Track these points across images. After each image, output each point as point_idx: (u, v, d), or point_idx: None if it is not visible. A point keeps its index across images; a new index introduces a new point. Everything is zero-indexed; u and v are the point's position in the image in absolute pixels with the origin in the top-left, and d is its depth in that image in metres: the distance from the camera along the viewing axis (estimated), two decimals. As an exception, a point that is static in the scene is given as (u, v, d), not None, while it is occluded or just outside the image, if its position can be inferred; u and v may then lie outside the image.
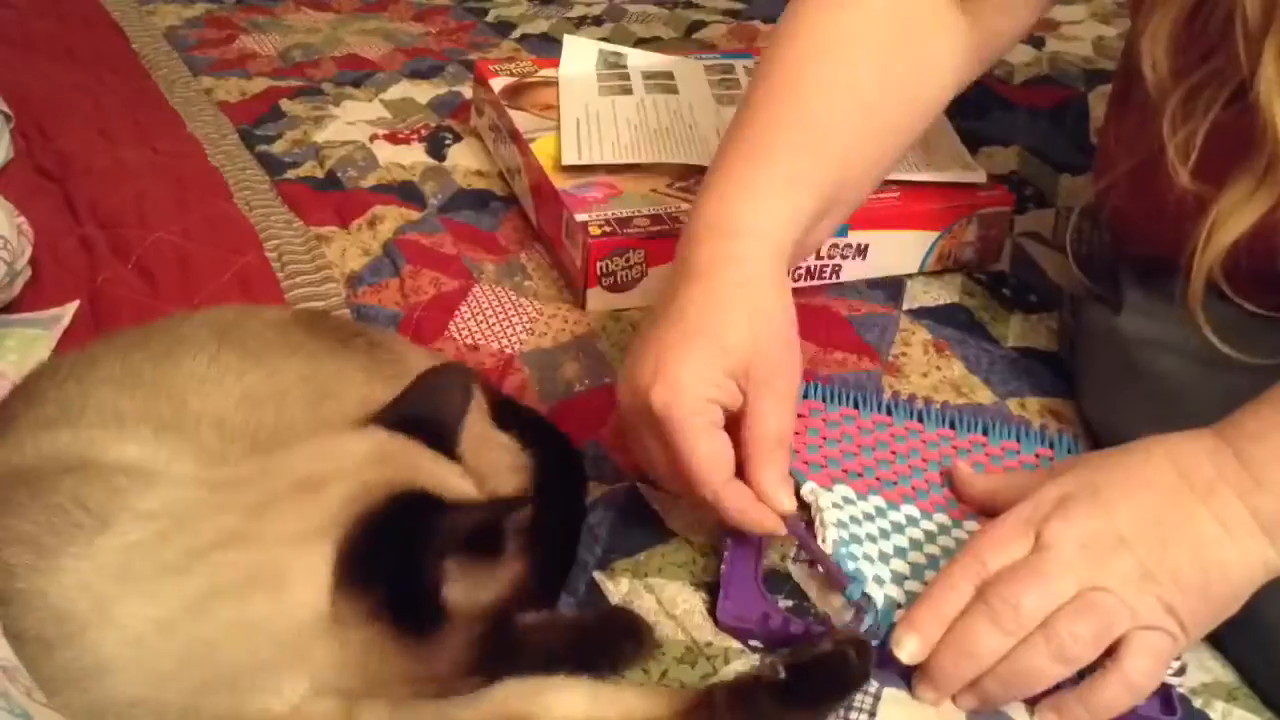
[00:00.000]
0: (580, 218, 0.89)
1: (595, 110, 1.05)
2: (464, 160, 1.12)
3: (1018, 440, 0.74)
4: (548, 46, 1.43)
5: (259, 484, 0.48)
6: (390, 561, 0.45)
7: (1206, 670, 0.61)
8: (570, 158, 0.97)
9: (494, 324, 0.86)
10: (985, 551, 0.57)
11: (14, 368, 0.75)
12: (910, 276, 0.94)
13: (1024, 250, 0.98)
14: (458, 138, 1.17)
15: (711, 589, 0.64)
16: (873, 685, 0.57)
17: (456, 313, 0.86)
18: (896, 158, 0.77)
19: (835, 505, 0.66)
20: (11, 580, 0.46)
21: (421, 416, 0.52)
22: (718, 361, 0.61)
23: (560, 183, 0.95)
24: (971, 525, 0.67)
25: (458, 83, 1.31)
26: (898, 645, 0.56)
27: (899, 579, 0.63)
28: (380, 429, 0.51)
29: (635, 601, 0.63)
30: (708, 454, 0.60)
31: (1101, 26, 1.50)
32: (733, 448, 0.61)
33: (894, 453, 0.72)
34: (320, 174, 1.09)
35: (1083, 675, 0.56)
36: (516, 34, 1.53)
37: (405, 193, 1.05)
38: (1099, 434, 0.76)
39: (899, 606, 0.60)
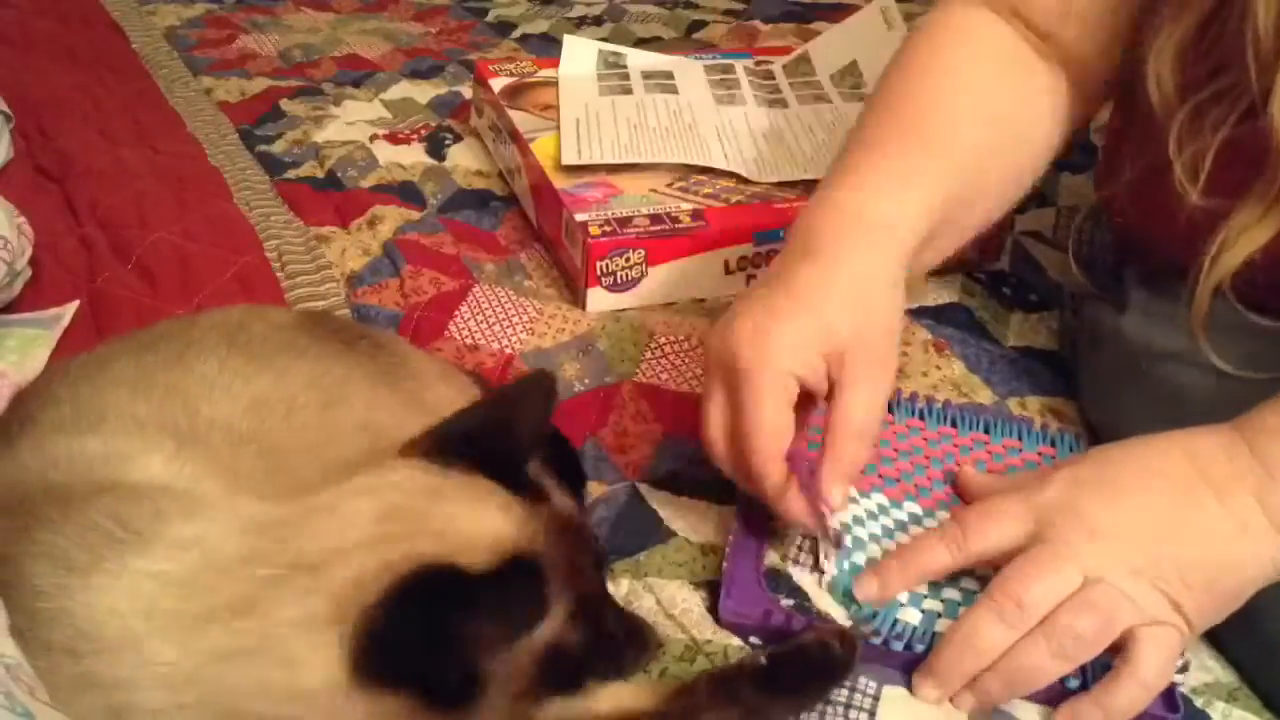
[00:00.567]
0: (580, 217, 0.89)
1: (595, 110, 1.05)
2: (464, 160, 1.12)
3: (1019, 438, 0.74)
4: (548, 46, 1.43)
5: (280, 544, 0.45)
6: (412, 648, 0.43)
7: (1207, 670, 0.61)
8: (570, 157, 0.97)
9: (494, 324, 0.86)
10: (973, 526, 0.58)
11: (14, 368, 0.76)
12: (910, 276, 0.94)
13: (1024, 249, 0.98)
14: (458, 138, 1.17)
15: (711, 587, 0.64)
16: (871, 685, 0.57)
17: (456, 313, 0.86)
18: (1013, 189, 0.76)
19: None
20: (37, 596, 0.45)
21: (479, 434, 0.50)
22: (815, 338, 0.60)
23: (560, 182, 0.95)
24: None
25: (458, 83, 1.31)
26: (858, 585, 0.59)
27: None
28: (414, 464, 0.48)
29: (635, 602, 0.63)
30: (772, 424, 0.59)
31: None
32: (794, 428, 0.61)
33: (896, 450, 0.72)
34: (320, 174, 1.09)
35: (1084, 670, 0.56)
36: (516, 34, 1.53)
37: (405, 193, 1.05)
38: (1100, 433, 0.76)
39: (902, 605, 0.60)
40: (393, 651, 0.42)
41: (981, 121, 0.72)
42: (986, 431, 0.75)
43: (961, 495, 0.69)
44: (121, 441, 0.52)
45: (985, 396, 0.81)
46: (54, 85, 1.20)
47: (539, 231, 0.99)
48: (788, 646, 0.55)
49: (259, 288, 0.88)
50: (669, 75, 1.12)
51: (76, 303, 0.84)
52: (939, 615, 0.60)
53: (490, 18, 1.60)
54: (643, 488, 0.71)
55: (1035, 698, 0.57)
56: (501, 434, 0.50)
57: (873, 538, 0.65)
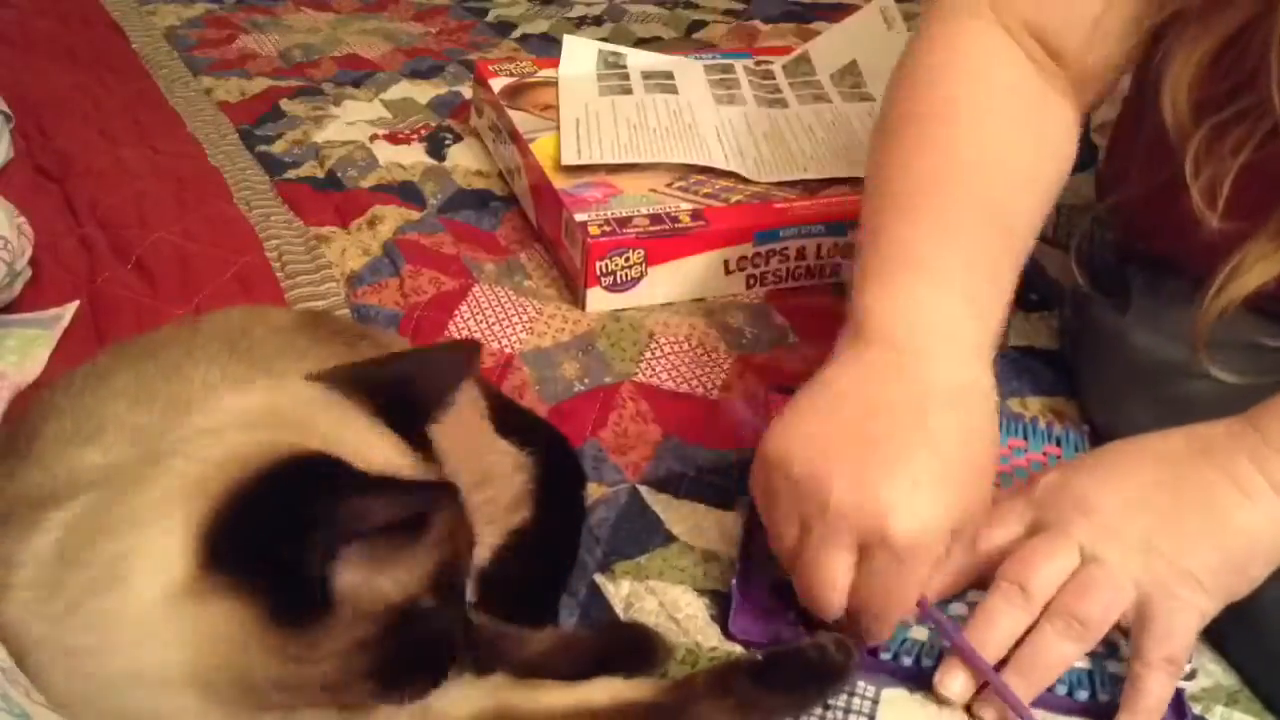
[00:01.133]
0: (580, 218, 0.89)
1: (595, 110, 1.05)
2: (464, 160, 1.12)
3: (1025, 438, 0.74)
4: (548, 46, 1.43)
5: (136, 458, 0.44)
6: (267, 538, 0.40)
7: (1207, 674, 0.61)
8: (570, 157, 0.97)
9: (493, 324, 0.86)
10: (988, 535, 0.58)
11: (14, 368, 0.76)
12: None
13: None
14: (458, 138, 1.16)
15: (714, 596, 0.63)
16: (870, 689, 0.57)
17: (456, 312, 0.86)
18: (1040, 224, 0.70)
19: None
20: None
21: (388, 383, 0.48)
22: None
23: (560, 183, 0.95)
24: None
25: (458, 83, 1.31)
26: (943, 681, 0.56)
27: None
28: (316, 384, 0.47)
29: (637, 604, 0.63)
30: (913, 601, 0.57)
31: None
32: None
33: None
34: (320, 174, 1.09)
35: (1093, 681, 0.56)
36: (516, 34, 1.53)
37: (405, 193, 1.05)
38: (1101, 433, 0.75)
39: (910, 624, 0.60)
40: (249, 534, 0.40)
41: (1028, 192, 0.67)
42: (1025, 438, 0.74)
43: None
44: (118, 452, 0.52)
45: (985, 396, 0.81)
46: (54, 85, 1.20)
47: (539, 231, 0.99)
48: (785, 648, 0.56)
49: (259, 288, 0.88)
50: (669, 75, 1.12)
51: (76, 303, 0.84)
52: None
53: (490, 18, 1.60)
54: (643, 490, 0.71)
55: (1044, 703, 0.57)
56: (410, 388, 0.48)
57: None
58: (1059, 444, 0.74)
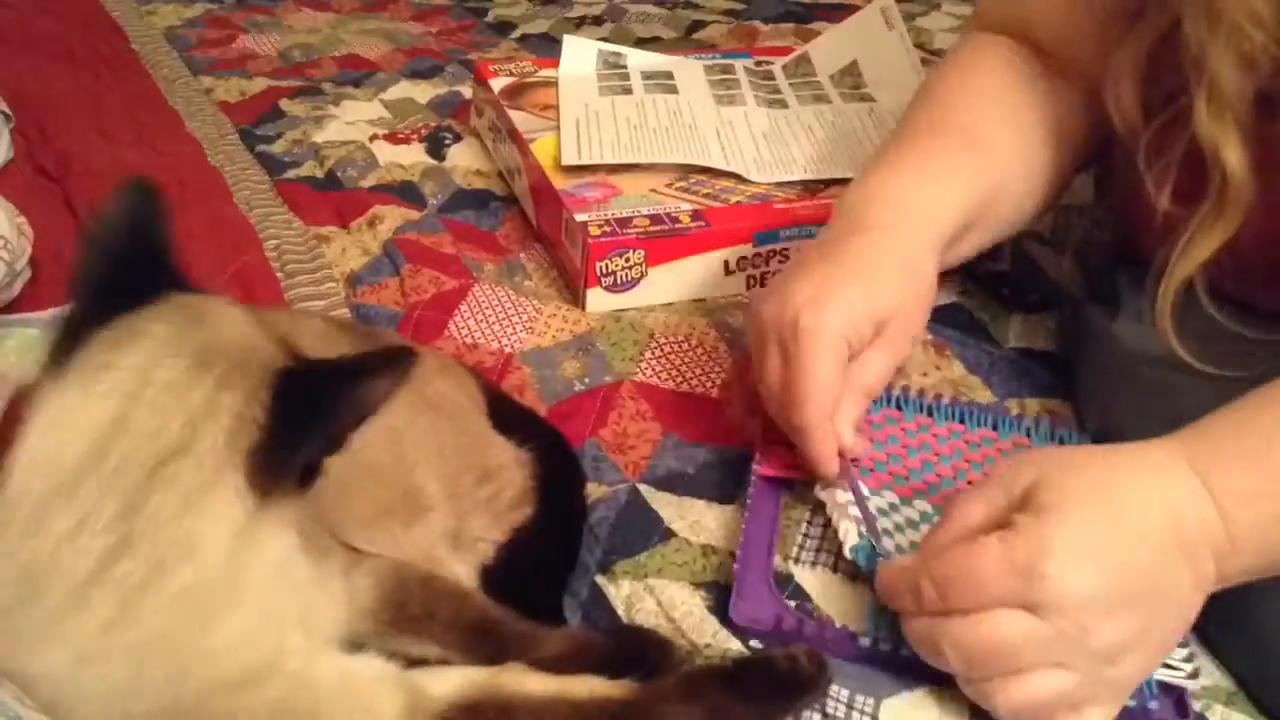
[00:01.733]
0: (580, 218, 0.89)
1: (595, 110, 1.05)
2: (464, 160, 1.12)
3: (1027, 435, 0.74)
4: (548, 46, 1.43)
5: (111, 494, 0.44)
6: (303, 449, 0.46)
7: (1206, 674, 0.60)
8: (570, 157, 0.97)
9: (493, 323, 0.86)
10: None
11: (14, 368, 0.76)
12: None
13: (1024, 250, 0.98)
14: (457, 138, 1.17)
15: (712, 588, 0.64)
16: (869, 703, 0.57)
17: (456, 312, 0.86)
18: (1039, 195, 0.80)
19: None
20: None
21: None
22: (867, 306, 0.66)
23: (560, 183, 0.95)
24: None
25: (457, 83, 1.31)
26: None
27: None
28: (149, 324, 0.47)
29: (637, 604, 0.63)
30: (826, 382, 0.64)
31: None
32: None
33: (905, 447, 0.72)
34: (320, 174, 1.09)
35: None
36: (516, 34, 1.53)
37: (405, 193, 1.05)
38: (1095, 434, 0.76)
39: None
40: (296, 439, 0.45)
41: (1013, 130, 0.77)
42: (994, 429, 0.75)
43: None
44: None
45: (985, 397, 0.81)
46: (54, 85, 1.20)
47: (539, 231, 0.99)
48: (756, 656, 0.57)
49: (259, 287, 0.88)
50: (669, 75, 1.12)
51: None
52: None
53: (490, 18, 1.60)
54: (643, 488, 0.71)
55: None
56: (141, 253, 0.49)
57: (885, 532, 0.65)
58: (1062, 443, 0.74)
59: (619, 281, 0.88)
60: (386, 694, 0.49)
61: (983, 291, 0.93)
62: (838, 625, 0.61)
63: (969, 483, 0.70)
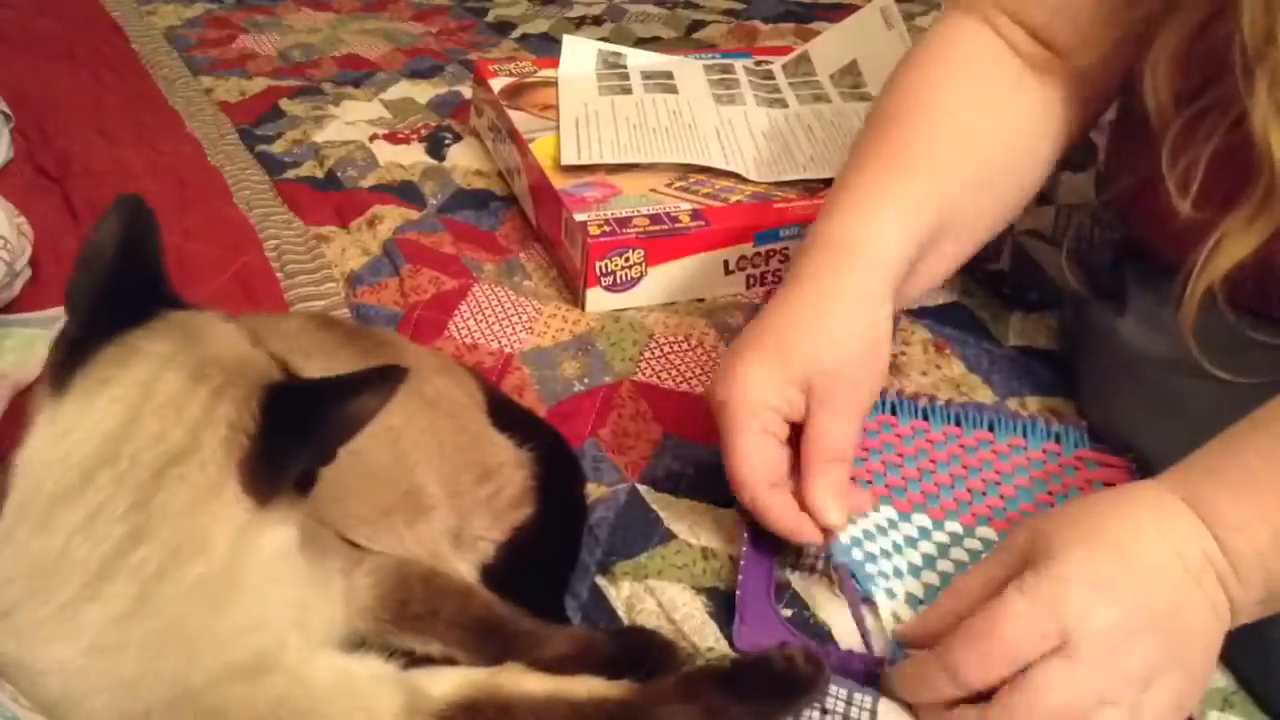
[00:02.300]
0: (579, 217, 0.89)
1: (595, 110, 1.05)
2: (463, 160, 1.12)
3: (1024, 436, 0.74)
4: (547, 46, 1.43)
5: (122, 490, 0.46)
6: (296, 458, 0.48)
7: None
8: (569, 157, 0.97)
9: (493, 323, 0.86)
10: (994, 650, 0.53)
11: (14, 368, 0.76)
12: (910, 276, 0.94)
13: (1024, 249, 0.98)
14: (457, 137, 1.17)
15: (713, 593, 0.64)
16: (867, 700, 0.57)
17: (456, 312, 0.86)
18: (1005, 204, 0.77)
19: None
20: None
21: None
22: (778, 370, 0.63)
23: (559, 182, 0.95)
24: (985, 531, 0.67)
25: (457, 83, 1.31)
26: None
27: (913, 601, 0.62)
28: (147, 341, 0.49)
29: (638, 606, 0.63)
30: (748, 455, 0.61)
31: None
32: (788, 458, 0.63)
33: (901, 455, 0.72)
34: (320, 174, 1.09)
35: None
36: (516, 34, 1.53)
37: (405, 192, 1.05)
38: (1098, 433, 0.76)
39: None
40: (284, 452, 0.47)
41: (962, 144, 0.72)
42: (991, 430, 0.75)
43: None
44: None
45: (985, 396, 0.81)
46: (54, 85, 1.20)
47: (538, 231, 0.99)
48: (753, 657, 0.57)
49: (259, 288, 0.88)
50: (669, 75, 1.12)
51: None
52: None
53: (490, 18, 1.60)
54: (643, 489, 0.71)
55: None
56: (134, 271, 0.51)
57: (884, 553, 0.64)
58: (1058, 440, 0.74)
59: (619, 281, 0.88)
60: (385, 693, 0.49)
61: (983, 290, 0.93)
62: (841, 649, 0.61)
63: (968, 490, 0.70)
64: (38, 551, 0.45)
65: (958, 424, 0.75)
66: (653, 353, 0.83)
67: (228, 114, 1.21)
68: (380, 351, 0.67)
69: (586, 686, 0.52)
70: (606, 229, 0.88)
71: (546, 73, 1.13)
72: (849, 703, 0.57)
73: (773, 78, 1.16)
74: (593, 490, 0.71)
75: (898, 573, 0.63)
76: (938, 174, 0.71)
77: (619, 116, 1.04)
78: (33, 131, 1.10)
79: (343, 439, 0.48)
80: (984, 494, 0.70)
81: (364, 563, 0.55)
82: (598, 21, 1.58)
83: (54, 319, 0.82)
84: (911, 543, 0.66)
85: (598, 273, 0.87)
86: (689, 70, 1.14)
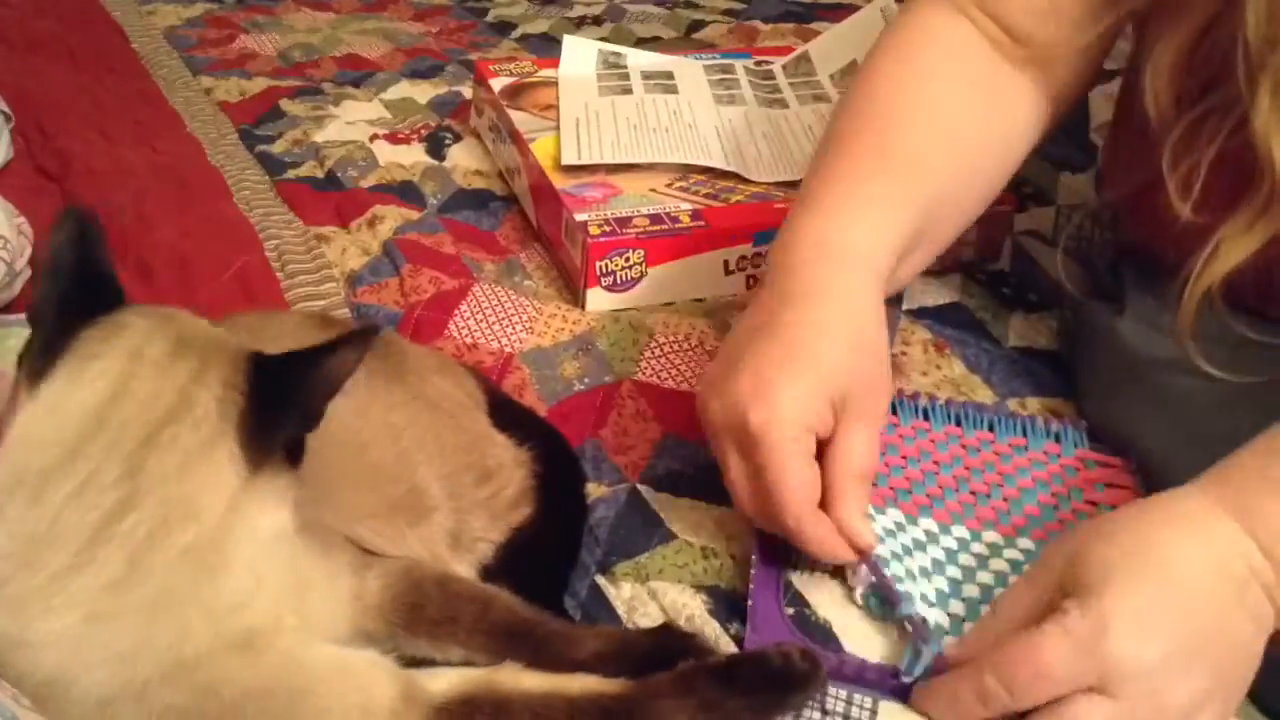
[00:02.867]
0: (579, 217, 0.89)
1: (595, 110, 1.05)
2: (464, 160, 1.12)
3: (1024, 435, 0.74)
4: (548, 46, 1.43)
5: (113, 457, 0.46)
6: (287, 419, 0.49)
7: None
8: (570, 157, 0.97)
9: (493, 323, 0.86)
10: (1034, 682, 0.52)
11: (14, 368, 0.75)
12: (910, 276, 0.94)
13: (1023, 249, 0.98)
14: (457, 137, 1.17)
15: (713, 592, 0.64)
16: (868, 700, 0.57)
17: (456, 312, 0.86)
18: (981, 200, 0.77)
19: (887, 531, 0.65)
20: None
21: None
22: (817, 388, 0.60)
23: (560, 182, 0.95)
24: (991, 536, 0.67)
25: (458, 83, 1.31)
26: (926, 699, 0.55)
27: (926, 602, 0.62)
28: (127, 321, 0.50)
29: (640, 608, 0.63)
30: (798, 482, 0.59)
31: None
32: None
33: (904, 457, 0.72)
34: (320, 174, 1.09)
35: None
36: (516, 34, 1.53)
37: (405, 192, 1.05)
38: (1098, 433, 0.76)
39: (945, 633, 0.60)
40: (275, 413, 0.48)
41: (947, 142, 0.72)
42: (991, 430, 0.75)
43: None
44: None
45: (985, 396, 0.81)
46: (54, 85, 1.20)
47: (539, 231, 0.99)
48: (749, 653, 0.57)
49: (259, 287, 0.88)
50: (669, 75, 1.12)
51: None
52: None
53: (490, 18, 1.60)
54: (643, 489, 0.71)
55: None
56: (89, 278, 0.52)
57: (894, 556, 0.64)
58: (1058, 440, 0.74)
59: (619, 281, 0.88)
60: (382, 680, 0.49)
61: (983, 291, 0.93)
62: (849, 653, 0.60)
63: (971, 493, 0.70)
64: (30, 525, 0.45)
65: (958, 424, 0.75)
66: (653, 353, 0.83)
67: (228, 114, 1.21)
68: (379, 350, 0.67)
69: (582, 683, 0.52)
70: (607, 229, 0.88)
71: (547, 73, 1.13)
72: (849, 702, 0.57)
73: (773, 78, 1.16)
74: (593, 490, 0.71)
75: (910, 575, 0.63)
76: (926, 173, 0.71)
77: (619, 116, 1.04)
78: (33, 131, 1.10)
79: (326, 397, 0.49)
80: (988, 496, 0.70)
81: (374, 566, 0.55)
82: (598, 21, 1.58)
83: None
84: (921, 546, 0.66)
85: (598, 272, 0.87)
86: (689, 70, 1.14)
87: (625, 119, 1.04)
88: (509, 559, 0.63)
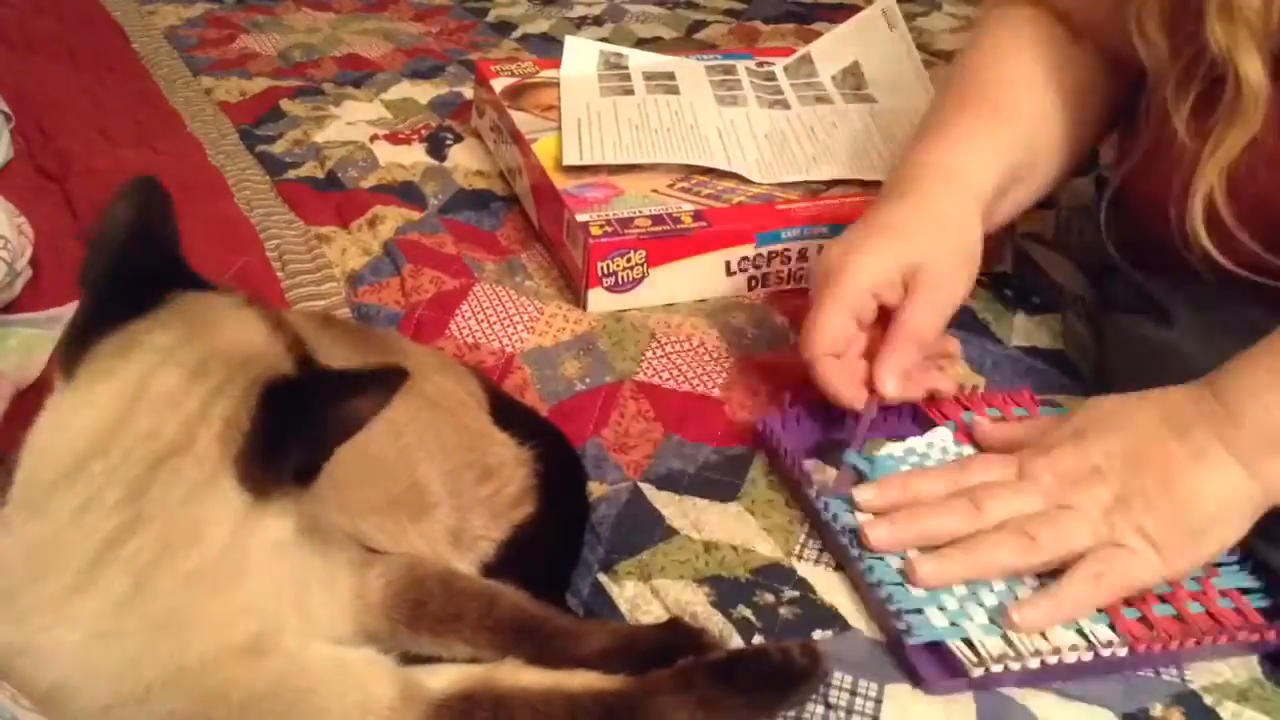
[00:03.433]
0: (581, 218, 0.89)
1: (597, 110, 1.05)
2: (464, 160, 1.12)
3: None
4: (548, 46, 1.43)
5: (115, 481, 0.46)
6: (298, 439, 0.48)
7: (1216, 673, 0.61)
8: (572, 158, 0.97)
9: (495, 323, 0.86)
10: (971, 466, 0.66)
11: (14, 368, 0.75)
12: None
13: (1026, 252, 0.98)
14: (458, 138, 1.16)
15: (716, 583, 0.64)
16: (873, 688, 0.57)
17: (457, 312, 0.86)
18: (1069, 144, 0.85)
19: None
20: None
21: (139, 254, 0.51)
22: (894, 252, 0.72)
23: (561, 183, 0.95)
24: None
25: (458, 83, 1.31)
26: (859, 491, 0.65)
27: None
28: (162, 324, 0.49)
29: (643, 605, 0.63)
30: (827, 324, 0.71)
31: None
32: (865, 341, 0.73)
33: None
34: (320, 174, 1.09)
35: None
36: (517, 34, 1.53)
37: (406, 193, 1.05)
38: None
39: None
40: (281, 449, 0.47)
41: (1040, 99, 0.83)
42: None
43: (978, 443, 0.72)
44: None
45: (987, 397, 0.81)
46: (54, 85, 1.20)
47: (540, 232, 0.99)
48: (749, 649, 0.58)
49: (259, 287, 0.88)
50: (670, 76, 1.12)
51: (76, 303, 0.83)
52: None
53: (491, 18, 1.60)
54: (644, 487, 0.71)
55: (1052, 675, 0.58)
56: (150, 253, 0.52)
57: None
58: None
59: (620, 282, 0.88)
60: (382, 677, 0.50)
61: (985, 292, 0.93)
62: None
63: None
64: (35, 537, 0.46)
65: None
66: (654, 353, 0.83)
67: (228, 114, 1.21)
68: (380, 350, 0.67)
69: (583, 679, 0.52)
70: (608, 229, 0.88)
71: (548, 73, 1.13)
72: (853, 692, 0.57)
73: (774, 79, 1.16)
74: (595, 489, 0.71)
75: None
76: (1020, 120, 0.81)
77: (621, 117, 1.04)
78: (33, 131, 1.10)
79: (340, 439, 0.49)
80: None
81: (376, 564, 0.55)
82: (598, 22, 1.58)
83: (54, 319, 0.81)
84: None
85: (599, 273, 0.87)
86: (691, 71, 1.14)
87: (627, 119, 1.04)
88: (510, 557, 0.63)
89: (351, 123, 1.18)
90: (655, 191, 0.95)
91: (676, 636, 0.57)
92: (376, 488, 0.60)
